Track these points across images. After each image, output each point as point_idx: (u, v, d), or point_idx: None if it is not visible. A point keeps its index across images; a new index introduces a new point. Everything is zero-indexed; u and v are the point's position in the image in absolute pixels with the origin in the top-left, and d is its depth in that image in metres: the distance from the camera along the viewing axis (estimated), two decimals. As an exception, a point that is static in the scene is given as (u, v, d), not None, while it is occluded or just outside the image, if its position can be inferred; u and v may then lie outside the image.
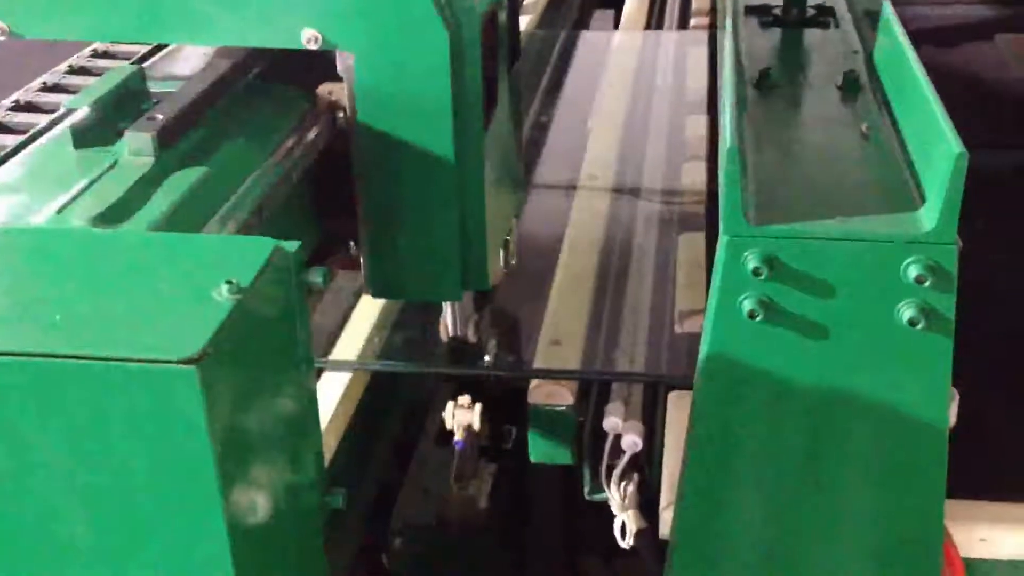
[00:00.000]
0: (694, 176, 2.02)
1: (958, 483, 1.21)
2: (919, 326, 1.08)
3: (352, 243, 1.31)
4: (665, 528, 1.33)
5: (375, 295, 1.34)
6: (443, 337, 1.52)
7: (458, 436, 1.49)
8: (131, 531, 0.83)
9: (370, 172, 1.24)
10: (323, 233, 1.32)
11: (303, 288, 0.94)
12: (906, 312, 1.08)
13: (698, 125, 2.21)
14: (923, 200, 1.11)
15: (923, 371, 1.12)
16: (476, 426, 1.48)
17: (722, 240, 1.09)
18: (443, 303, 1.48)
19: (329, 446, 1.36)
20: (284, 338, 0.93)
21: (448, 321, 1.50)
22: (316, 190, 1.30)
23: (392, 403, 1.67)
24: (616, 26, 2.94)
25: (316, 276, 0.96)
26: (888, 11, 1.39)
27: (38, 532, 0.84)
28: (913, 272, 1.07)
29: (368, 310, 1.63)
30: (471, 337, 1.50)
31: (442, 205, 1.25)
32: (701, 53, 2.54)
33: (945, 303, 1.08)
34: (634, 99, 2.37)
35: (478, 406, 1.48)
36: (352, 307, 1.63)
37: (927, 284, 1.07)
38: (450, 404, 1.49)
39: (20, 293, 0.85)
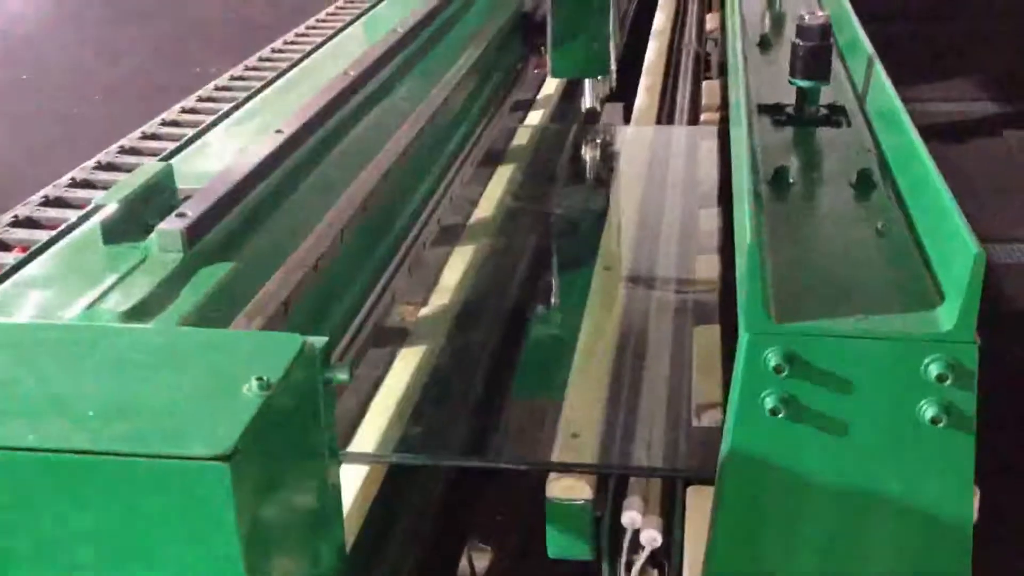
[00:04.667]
0: (708, 269, 2.04)
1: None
2: (941, 424, 1.08)
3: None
4: (687, 624, 1.31)
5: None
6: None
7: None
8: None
9: None
10: None
11: (330, 383, 0.95)
12: (928, 410, 1.09)
13: (711, 218, 2.23)
14: (941, 298, 1.12)
15: (946, 468, 1.12)
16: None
17: (743, 337, 1.10)
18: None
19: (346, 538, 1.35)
20: (310, 431, 0.93)
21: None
22: None
23: (409, 496, 1.66)
24: (625, 119, 2.99)
25: (342, 372, 0.97)
26: (899, 108, 1.42)
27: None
28: (934, 370, 1.07)
29: (386, 402, 1.63)
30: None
31: None
32: (712, 147, 2.58)
33: (966, 401, 1.09)
34: (646, 191, 2.40)
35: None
36: (370, 399, 1.63)
37: (948, 382, 1.07)
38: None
39: (51, 389, 0.86)
